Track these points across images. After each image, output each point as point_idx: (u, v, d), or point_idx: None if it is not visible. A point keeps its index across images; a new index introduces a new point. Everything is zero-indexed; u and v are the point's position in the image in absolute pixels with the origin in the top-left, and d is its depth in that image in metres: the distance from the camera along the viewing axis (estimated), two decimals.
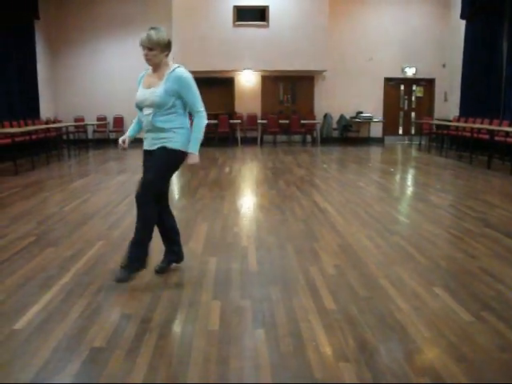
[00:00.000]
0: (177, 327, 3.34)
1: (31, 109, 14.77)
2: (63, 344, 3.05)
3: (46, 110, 15.96)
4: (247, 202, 7.69)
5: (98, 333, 3.19)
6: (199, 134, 4.00)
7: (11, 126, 12.82)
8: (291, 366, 2.79)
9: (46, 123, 14.92)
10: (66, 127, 15.01)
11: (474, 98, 14.66)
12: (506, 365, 2.81)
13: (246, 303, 3.68)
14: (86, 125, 16.41)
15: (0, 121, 12.67)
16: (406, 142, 18.34)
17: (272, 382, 2.64)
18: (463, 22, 15.30)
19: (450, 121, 15.84)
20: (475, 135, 12.43)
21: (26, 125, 13.62)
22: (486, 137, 11.86)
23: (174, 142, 3.95)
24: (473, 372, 2.72)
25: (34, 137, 12.16)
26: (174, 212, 6.76)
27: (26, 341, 3.09)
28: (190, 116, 4.09)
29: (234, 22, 16.33)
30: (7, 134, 11.11)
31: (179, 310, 3.58)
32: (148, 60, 4.15)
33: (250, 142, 17.42)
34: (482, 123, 13.54)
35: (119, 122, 17.62)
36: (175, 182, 10.01)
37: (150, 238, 4.14)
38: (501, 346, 3.00)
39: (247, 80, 17.68)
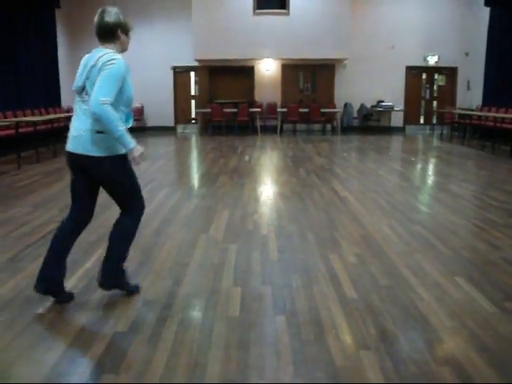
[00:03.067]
0: (197, 313, 3.36)
1: (52, 97, 14.89)
2: (86, 328, 3.09)
3: (67, 98, 16.05)
4: (267, 190, 7.68)
5: (120, 317, 3.23)
6: None
7: (33, 115, 12.95)
8: (312, 353, 2.80)
9: (67, 112, 15.03)
10: None
11: (498, 87, 14.43)
12: None
13: (267, 290, 3.69)
14: None
15: (22, 109, 12.79)
16: (428, 131, 18.14)
17: (293, 368, 2.65)
18: (487, 10, 15.02)
19: (472, 110, 15.64)
20: (498, 124, 12.24)
21: (48, 113, 13.75)
22: (510, 126, 11.68)
23: None
24: (495, 362, 2.70)
25: (55, 125, 12.25)
26: (195, 200, 6.83)
27: (50, 324, 3.14)
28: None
29: (254, 10, 16.24)
30: (29, 123, 11.22)
31: (200, 297, 3.60)
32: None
33: (269, 130, 17.38)
34: (505, 112, 13.34)
35: (139, 111, 17.68)
36: (196, 170, 10.05)
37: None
38: None
39: (267, 68, 17.61)
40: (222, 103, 16.92)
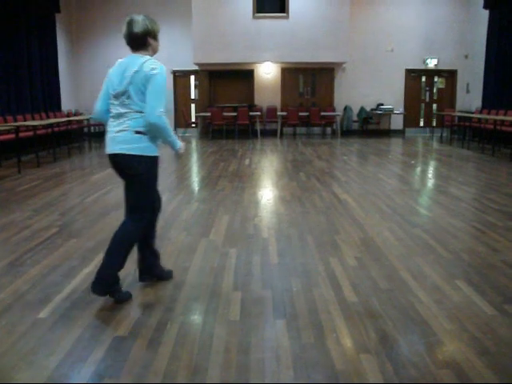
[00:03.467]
0: (198, 317, 3.36)
1: (53, 102, 14.94)
2: (87, 333, 3.10)
3: (67, 102, 16.12)
4: (267, 193, 7.69)
5: (120, 322, 3.24)
6: None
7: (33, 119, 12.98)
8: (312, 357, 2.80)
9: (68, 116, 15.07)
10: (87, 119, 15.15)
11: (497, 90, 14.45)
12: None
13: (267, 294, 3.69)
14: None
15: (22, 113, 12.81)
16: (428, 134, 18.16)
17: (293, 372, 2.66)
18: (486, 12, 15.06)
19: (472, 113, 15.66)
20: (498, 127, 12.26)
21: (48, 117, 13.78)
22: (510, 129, 11.70)
23: None
24: (495, 365, 2.70)
25: (55, 129, 12.28)
26: (195, 204, 6.84)
27: (50, 329, 3.14)
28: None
29: (253, 14, 16.29)
30: (29, 127, 11.24)
31: (200, 301, 3.61)
32: None
33: (269, 134, 17.41)
34: (505, 115, 13.36)
35: None
36: (196, 174, 10.07)
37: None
38: None
39: (267, 72, 17.65)
40: (221, 107, 16.95)
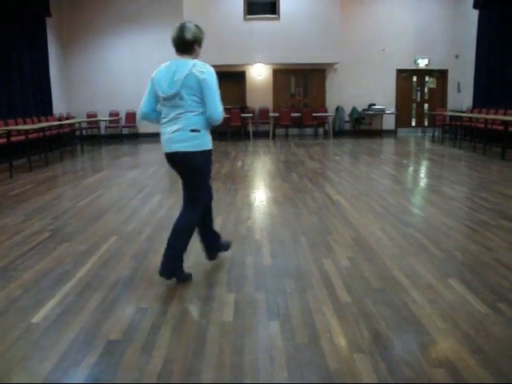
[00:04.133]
0: (192, 320, 3.35)
1: (44, 105, 14.87)
2: (80, 337, 3.09)
3: (58, 106, 16.06)
4: (260, 195, 7.69)
5: (114, 326, 3.23)
6: None
7: (25, 123, 12.92)
8: (306, 358, 2.80)
9: (59, 120, 15.02)
10: (79, 123, 15.12)
11: (488, 89, 14.52)
12: None
13: (261, 295, 3.70)
14: (99, 120, 16.48)
15: (14, 118, 12.76)
16: (419, 133, 18.23)
17: (287, 372, 2.66)
18: (476, 12, 15.13)
19: (463, 112, 15.73)
20: (489, 126, 12.32)
21: (40, 121, 13.72)
22: (500, 128, 11.75)
23: None
24: (488, 363, 2.71)
25: (47, 133, 12.23)
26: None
27: (44, 334, 3.13)
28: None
29: (244, 15, 16.31)
30: (21, 131, 11.20)
31: (194, 303, 3.60)
32: None
33: (261, 135, 17.42)
34: (495, 114, 13.42)
35: (131, 118, 17.68)
36: None
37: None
38: None
39: (259, 73, 17.66)
40: None
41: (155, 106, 3.88)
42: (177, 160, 3.83)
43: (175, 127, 3.71)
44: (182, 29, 3.76)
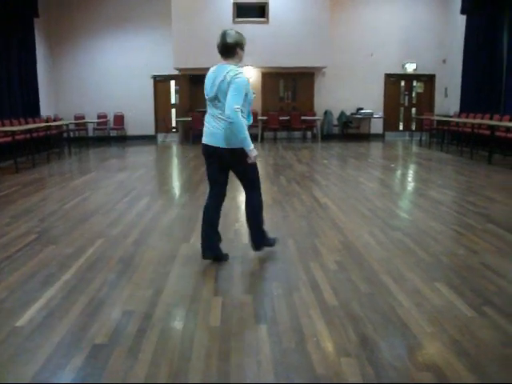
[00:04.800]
0: (178, 323, 3.34)
1: (32, 107, 14.75)
2: (65, 341, 3.06)
3: (46, 107, 15.94)
4: None
5: (99, 329, 3.20)
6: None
7: (12, 125, 12.81)
8: (293, 362, 2.79)
9: (47, 121, 14.91)
10: (67, 125, 15.02)
11: (475, 94, 14.62)
12: (507, 360, 2.81)
13: (248, 299, 3.68)
14: (87, 122, 16.40)
15: (0, 119, 12.65)
16: (407, 137, 18.31)
17: (274, 377, 2.65)
18: (463, 17, 15.25)
19: (450, 116, 15.82)
20: (476, 131, 12.41)
21: (27, 123, 13.61)
22: (487, 132, 11.84)
23: None
24: (475, 367, 2.72)
25: (34, 135, 12.15)
26: (175, 209, 6.81)
27: (29, 338, 3.10)
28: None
29: (233, 18, 16.29)
30: (8, 132, 11.10)
31: (181, 306, 3.58)
32: None
33: (250, 138, 17.37)
34: (482, 118, 13.52)
35: (119, 120, 17.62)
36: (177, 179, 10.04)
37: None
38: (503, 341, 3.01)
39: (247, 77, 17.61)
40: (202, 112, 16.88)
41: None
42: (223, 155, 4.26)
43: (216, 125, 4.20)
44: (224, 35, 4.17)
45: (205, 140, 4.32)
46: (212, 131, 4.23)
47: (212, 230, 4.51)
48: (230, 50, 4.19)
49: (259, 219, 4.57)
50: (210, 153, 4.31)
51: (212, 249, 4.49)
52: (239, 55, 4.27)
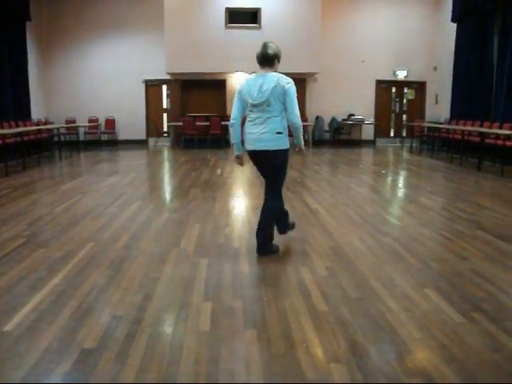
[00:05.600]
0: (167, 328, 3.32)
1: (22, 110, 14.68)
2: (53, 345, 3.03)
3: (37, 111, 15.87)
4: (239, 203, 7.69)
5: (88, 334, 3.18)
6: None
7: (2, 128, 12.75)
8: (282, 367, 2.79)
9: (37, 125, 14.85)
10: (58, 129, 14.96)
11: (465, 101, 14.72)
12: (496, 365, 2.82)
13: (238, 304, 3.68)
14: (78, 126, 16.33)
15: None
16: (398, 144, 18.40)
17: (263, 382, 2.64)
18: (454, 25, 15.37)
19: (440, 123, 15.92)
20: (466, 137, 12.49)
21: (17, 126, 13.55)
22: (477, 139, 11.92)
23: None
24: (464, 373, 2.73)
25: (25, 138, 12.09)
26: (166, 213, 6.80)
27: (16, 342, 3.07)
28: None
29: (225, 24, 16.33)
30: None
31: (170, 311, 3.57)
32: None
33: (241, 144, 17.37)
34: (472, 125, 13.61)
35: (111, 124, 17.59)
36: (168, 183, 10.03)
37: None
38: (491, 347, 3.02)
39: (239, 82, 17.59)
40: (194, 116, 16.90)
41: (243, 112, 4.70)
42: (262, 157, 4.66)
43: (264, 129, 4.55)
44: (265, 46, 4.55)
45: (250, 147, 4.69)
46: (259, 137, 4.59)
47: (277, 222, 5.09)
48: (269, 60, 4.55)
49: (271, 223, 4.88)
50: (256, 157, 4.74)
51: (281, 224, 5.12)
52: (276, 66, 4.64)
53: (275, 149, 4.58)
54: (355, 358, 2.88)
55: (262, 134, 4.56)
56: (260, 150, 4.63)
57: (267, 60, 4.57)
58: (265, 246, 4.82)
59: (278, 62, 4.66)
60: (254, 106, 4.55)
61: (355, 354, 2.92)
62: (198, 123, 16.49)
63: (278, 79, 4.47)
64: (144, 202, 7.66)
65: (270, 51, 4.54)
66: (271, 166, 4.73)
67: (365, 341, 3.09)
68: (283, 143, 4.61)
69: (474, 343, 3.07)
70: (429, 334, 3.20)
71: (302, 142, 4.76)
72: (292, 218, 5.47)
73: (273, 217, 4.86)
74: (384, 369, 2.76)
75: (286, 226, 5.19)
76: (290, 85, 4.48)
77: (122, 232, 5.76)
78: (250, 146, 4.69)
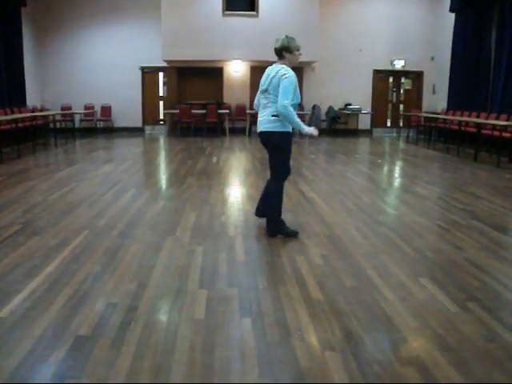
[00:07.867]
0: (162, 316, 3.32)
1: (17, 97, 14.57)
2: (48, 332, 3.03)
3: (32, 98, 15.76)
4: (235, 191, 7.67)
5: (83, 321, 3.17)
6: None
7: None
8: (277, 355, 2.79)
9: (33, 111, 14.76)
10: (53, 115, 14.88)
11: (462, 91, 14.70)
12: (490, 354, 2.83)
13: (233, 292, 3.67)
14: (73, 113, 16.23)
15: None
16: (394, 134, 18.39)
17: (258, 370, 2.64)
18: (452, 15, 15.31)
19: (437, 113, 15.90)
20: (463, 128, 12.48)
21: (13, 113, 13.46)
22: (474, 130, 11.91)
23: None
24: (458, 361, 2.74)
25: (20, 125, 12.02)
26: (162, 201, 6.78)
27: (11, 329, 3.06)
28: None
29: (223, 11, 16.22)
30: None
31: (165, 299, 3.57)
32: None
33: (238, 132, 17.37)
34: (469, 116, 13.61)
35: (106, 111, 17.49)
36: (164, 171, 10.00)
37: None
38: (485, 336, 3.03)
39: (236, 70, 17.60)
40: (190, 104, 16.82)
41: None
42: (263, 137, 5.04)
43: (264, 114, 4.96)
44: (276, 41, 4.96)
45: (259, 128, 5.06)
46: (261, 119, 5.00)
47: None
48: (278, 53, 4.93)
49: (277, 206, 5.08)
50: (261, 139, 5.10)
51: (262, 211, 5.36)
52: (287, 58, 4.93)
53: (270, 130, 4.89)
54: (350, 346, 2.89)
55: (262, 117, 5.00)
56: (260, 132, 5.04)
57: (276, 53, 4.96)
58: (272, 227, 5.11)
59: (290, 53, 4.93)
60: (261, 92, 5.01)
61: (350, 343, 2.93)
62: (194, 111, 16.41)
63: (278, 70, 4.79)
64: (139, 190, 7.64)
65: (277, 45, 4.93)
66: (270, 148, 5.06)
67: (360, 329, 3.09)
68: (278, 126, 4.86)
69: (469, 332, 3.08)
70: (424, 323, 3.20)
71: (302, 127, 4.87)
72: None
73: (272, 196, 5.10)
74: (379, 357, 2.77)
75: (262, 211, 5.39)
76: (285, 76, 4.72)
77: (117, 220, 5.75)
78: (257, 128, 5.12)
